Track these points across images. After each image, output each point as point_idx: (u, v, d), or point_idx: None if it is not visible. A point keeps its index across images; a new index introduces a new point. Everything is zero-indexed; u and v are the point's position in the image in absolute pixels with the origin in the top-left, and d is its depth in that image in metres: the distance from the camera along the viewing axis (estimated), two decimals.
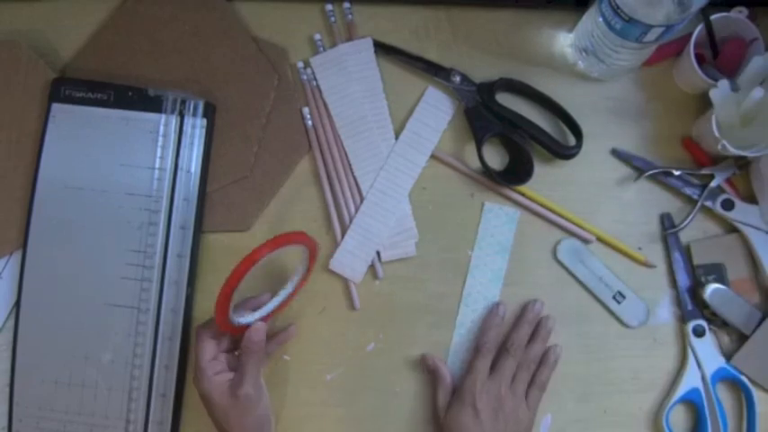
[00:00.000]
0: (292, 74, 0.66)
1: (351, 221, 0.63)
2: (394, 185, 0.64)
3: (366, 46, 0.65)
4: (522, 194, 0.64)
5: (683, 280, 0.63)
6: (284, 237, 0.52)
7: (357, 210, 0.64)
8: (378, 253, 0.63)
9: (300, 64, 0.65)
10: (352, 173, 0.64)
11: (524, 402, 0.58)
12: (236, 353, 0.59)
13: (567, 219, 0.63)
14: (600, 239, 0.63)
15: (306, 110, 0.65)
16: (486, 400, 0.57)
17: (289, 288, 0.59)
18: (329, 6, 0.66)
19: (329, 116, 0.65)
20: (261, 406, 0.55)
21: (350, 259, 0.63)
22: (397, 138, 0.65)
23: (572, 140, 0.64)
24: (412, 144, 0.64)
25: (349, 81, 0.65)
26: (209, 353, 0.56)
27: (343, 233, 0.63)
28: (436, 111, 0.65)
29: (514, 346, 0.59)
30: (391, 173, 0.64)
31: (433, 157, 0.65)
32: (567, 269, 0.63)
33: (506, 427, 0.56)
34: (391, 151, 0.64)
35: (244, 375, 0.54)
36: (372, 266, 0.63)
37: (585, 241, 0.63)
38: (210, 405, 0.54)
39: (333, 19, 0.66)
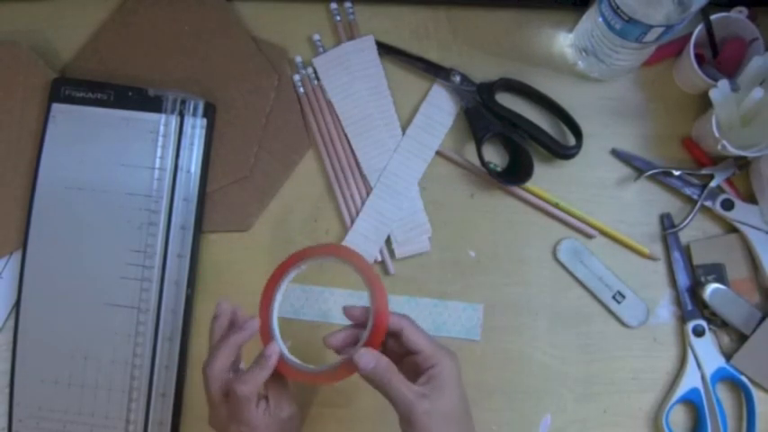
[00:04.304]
0: (292, 73, 0.66)
1: (357, 217, 0.64)
2: (402, 180, 0.64)
3: (369, 44, 0.65)
4: (525, 190, 0.64)
5: (683, 280, 0.63)
6: (348, 251, 0.50)
7: (363, 204, 0.64)
8: (391, 250, 0.64)
9: (299, 59, 0.65)
10: (360, 171, 0.64)
11: None
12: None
13: (570, 213, 0.63)
14: (603, 233, 0.63)
15: (307, 110, 0.65)
16: None
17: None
18: (333, 5, 0.66)
19: (332, 114, 0.65)
20: (299, 416, 0.52)
21: (362, 241, 0.63)
22: (403, 134, 0.65)
23: (572, 140, 0.64)
24: (419, 139, 0.65)
25: (353, 80, 0.65)
26: (254, 404, 0.48)
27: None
28: (440, 110, 0.65)
29: None
30: (398, 168, 0.64)
31: (437, 153, 0.65)
32: (566, 269, 0.63)
33: None
34: (398, 146, 0.65)
35: (281, 397, 0.50)
36: (383, 263, 0.63)
37: (588, 236, 0.63)
38: None
39: (338, 18, 0.66)
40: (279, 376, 0.50)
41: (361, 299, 0.63)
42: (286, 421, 0.50)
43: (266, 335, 0.50)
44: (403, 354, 0.50)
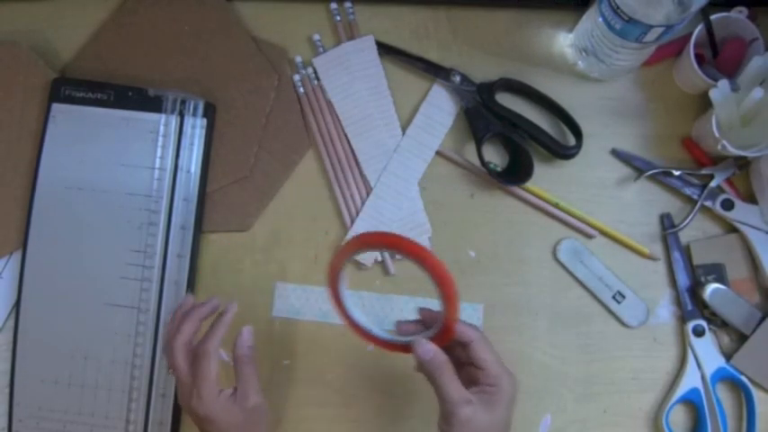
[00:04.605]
0: (292, 73, 0.66)
1: (357, 217, 0.64)
2: (402, 180, 0.64)
3: (368, 44, 0.65)
4: (525, 190, 0.64)
5: (683, 280, 0.63)
6: (419, 248, 0.49)
7: (363, 204, 0.64)
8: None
9: (299, 59, 0.65)
10: (360, 171, 0.64)
11: None
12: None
13: (570, 213, 0.63)
14: (603, 233, 0.63)
15: (307, 110, 0.65)
16: None
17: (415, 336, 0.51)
18: (333, 5, 0.66)
19: (332, 114, 0.65)
20: (267, 410, 0.53)
21: None
22: (403, 134, 0.65)
23: (572, 140, 0.64)
24: (419, 139, 0.65)
25: (353, 80, 0.65)
26: (216, 369, 0.50)
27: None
28: (440, 110, 0.65)
29: None
30: (398, 168, 0.64)
31: (437, 153, 0.65)
32: (566, 269, 0.63)
33: None
34: (398, 146, 0.65)
35: (248, 385, 0.52)
36: (383, 263, 0.63)
37: (588, 236, 0.63)
38: (217, 428, 0.50)
39: (338, 18, 0.66)
40: (249, 366, 0.52)
41: (361, 298, 0.63)
42: (250, 411, 0.51)
43: (337, 299, 0.52)
44: (466, 362, 0.51)
